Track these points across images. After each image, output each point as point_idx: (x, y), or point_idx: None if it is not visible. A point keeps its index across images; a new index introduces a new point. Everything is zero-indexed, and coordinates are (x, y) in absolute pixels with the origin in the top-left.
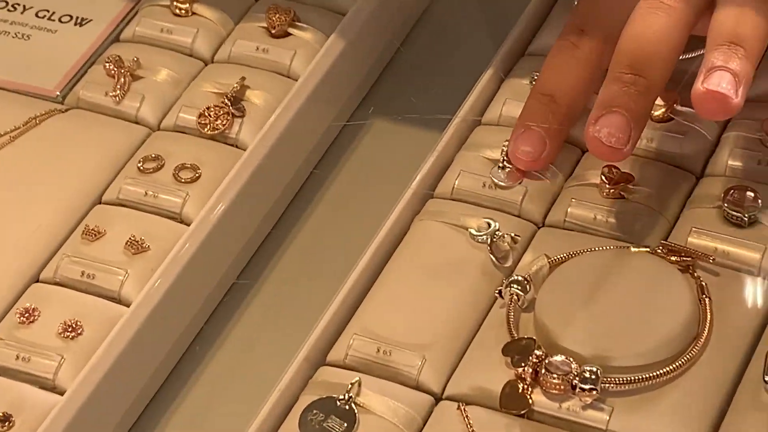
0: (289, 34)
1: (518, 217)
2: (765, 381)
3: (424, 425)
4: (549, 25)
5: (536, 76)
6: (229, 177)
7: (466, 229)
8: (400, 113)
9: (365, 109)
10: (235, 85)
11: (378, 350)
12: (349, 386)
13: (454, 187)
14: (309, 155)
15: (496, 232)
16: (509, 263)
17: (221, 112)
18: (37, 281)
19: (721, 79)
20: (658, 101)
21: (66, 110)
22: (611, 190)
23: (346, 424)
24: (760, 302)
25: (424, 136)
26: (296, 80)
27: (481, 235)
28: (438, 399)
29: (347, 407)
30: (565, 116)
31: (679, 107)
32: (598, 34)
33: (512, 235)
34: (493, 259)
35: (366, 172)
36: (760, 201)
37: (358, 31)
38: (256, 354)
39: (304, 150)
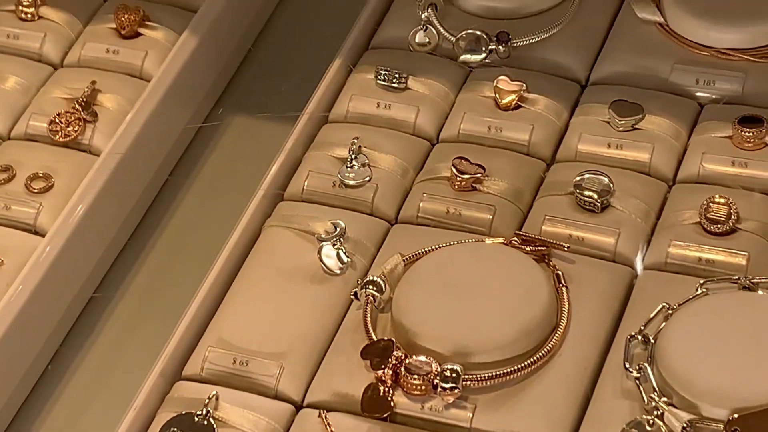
0: (140, 35)
1: (371, 215)
2: (626, 368)
3: None
4: (391, 18)
5: (380, 69)
6: (83, 185)
7: (314, 234)
8: (255, 112)
9: (220, 108)
10: (86, 90)
11: (234, 361)
12: (207, 401)
13: (303, 188)
14: (165, 158)
15: (343, 236)
16: (339, 273)
17: (72, 118)
18: None
19: None
20: (507, 88)
21: None
22: (462, 183)
23: None
24: (616, 288)
25: (278, 134)
26: (149, 81)
27: (328, 240)
28: (299, 407)
29: (205, 422)
30: None
31: (526, 94)
32: None
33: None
34: (324, 268)
35: (222, 173)
36: (612, 185)
37: (210, 29)
38: (113, 372)
39: (159, 153)
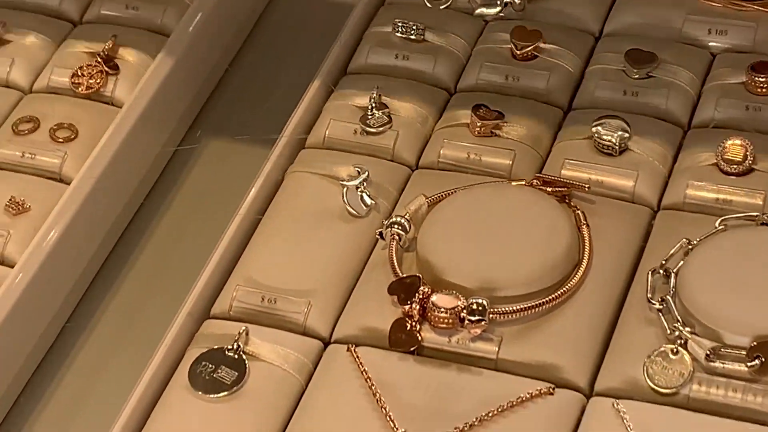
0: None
1: (392, 161)
2: (649, 300)
3: (315, 369)
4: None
5: (398, 21)
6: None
7: (337, 178)
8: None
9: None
10: (107, 44)
11: (262, 299)
12: (237, 335)
13: (325, 137)
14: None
15: (366, 180)
16: (363, 215)
17: (94, 71)
18: None
19: None
20: (523, 39)
21: None
22: (482, 129)
23: (236, 374)
24: (636, 227)
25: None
26: (169, 36)
27: (351, 183)
28: (327, 343)
29: (236, 356)
30: None
31: (542, 45)
32: None
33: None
34: (349, 209)
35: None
36: (629, 129)
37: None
38: (143, 312)
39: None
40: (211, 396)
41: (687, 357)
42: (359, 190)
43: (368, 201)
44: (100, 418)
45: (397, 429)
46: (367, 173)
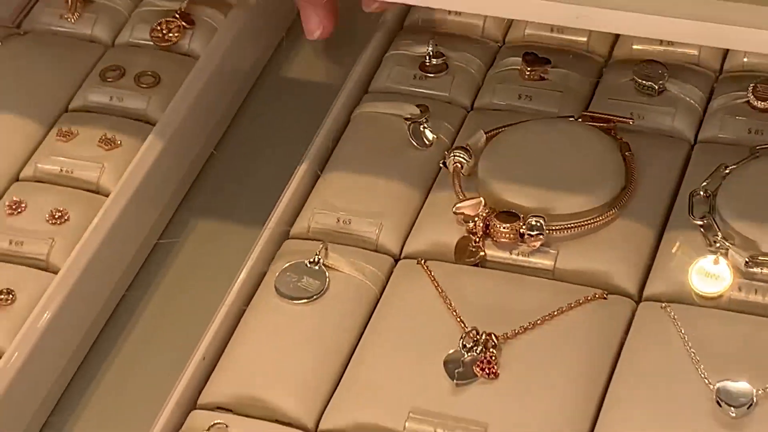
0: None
1: (449, 103)
2: (691, 215)
3: (388, 281)
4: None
5: None
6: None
7: (401, 116)
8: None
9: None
10: (184, 1)
11: (338, 220)
12: (318, 250)
13: (388, 79)
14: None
15: (427, 117)
16: (428, 145)
17: (173, 25)
18: (18, 180)
19: None
20: None
21: (24, 34)
22: (531, 73)
23: (318, 283)
24: (676, 156)
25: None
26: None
27: (415, 119)
28: (397, 259)
29: (317, 268)
30: None
31: None
32: None
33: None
34: (413, 142)
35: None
36: (666, 72)
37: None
38: (225, 232)
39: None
40: (296, 302)
41: (728, 265)
42: (422, 126)
43: (430, 136)
44: (193, 327)
45: (465, 327)
46: (428, 110)
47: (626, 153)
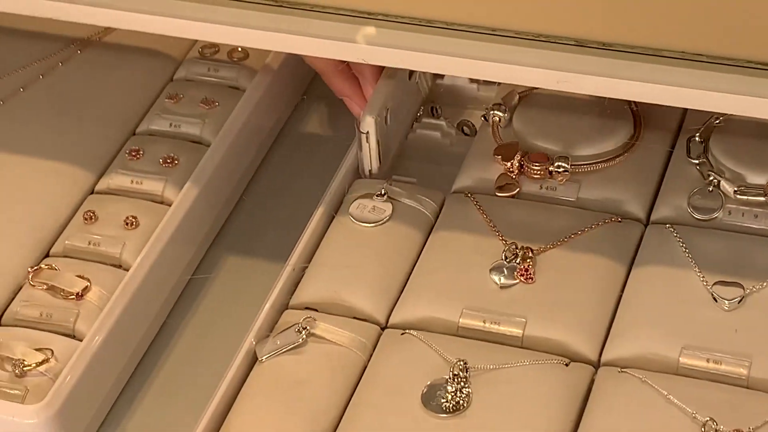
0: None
1: None
2: (689, 156)
3: (440, 212)
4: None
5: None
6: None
7: None
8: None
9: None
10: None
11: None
12: (384, 185)
13: None
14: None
15: None
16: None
17: None
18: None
19: None
20: None
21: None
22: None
23: (385, 210)
24: (675, 111)
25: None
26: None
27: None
28: (447, 193)
29: (386, 199)
30: None
31: None
32: None
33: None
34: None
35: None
36: None
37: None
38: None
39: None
40: (366, 225)
41: (720, 193)
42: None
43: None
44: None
45: (505, 240)
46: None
47: (634, 107)
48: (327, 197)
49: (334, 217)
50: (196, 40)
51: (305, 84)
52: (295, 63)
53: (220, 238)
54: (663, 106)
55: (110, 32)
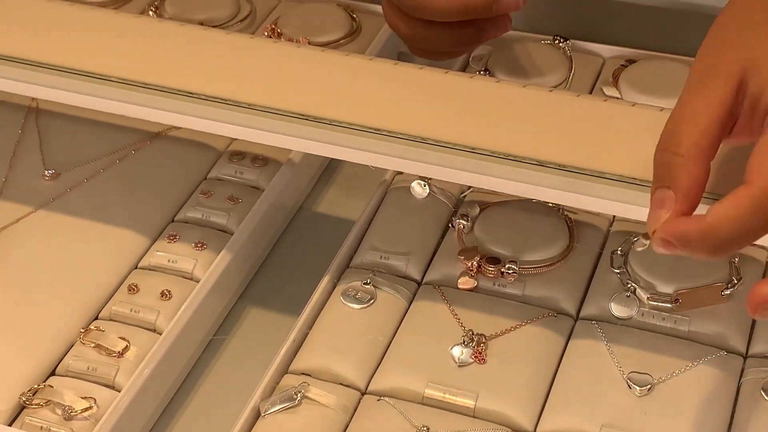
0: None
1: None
2: (612, 267)
3: (413, 299)
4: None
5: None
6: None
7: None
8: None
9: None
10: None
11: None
12: (369, 275)
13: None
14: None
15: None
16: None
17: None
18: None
19: None
20: None
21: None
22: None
23: (369, 296)
24: (601, 226)
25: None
26: None
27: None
28: (419, 284)
29: (371, 286)
30: None
31: None
32: None
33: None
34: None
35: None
36: None
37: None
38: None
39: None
40: (354, 307)
41: (636, 298)
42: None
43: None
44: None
45: (464, 326)
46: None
47: (570, 224)
48: (332, 267)
49: (329, 299)
50: (228, 147)
51: (320, 171)
52: (307, 166)
53: (238, 304)
54: (593, 222)
55: (174, 129)
